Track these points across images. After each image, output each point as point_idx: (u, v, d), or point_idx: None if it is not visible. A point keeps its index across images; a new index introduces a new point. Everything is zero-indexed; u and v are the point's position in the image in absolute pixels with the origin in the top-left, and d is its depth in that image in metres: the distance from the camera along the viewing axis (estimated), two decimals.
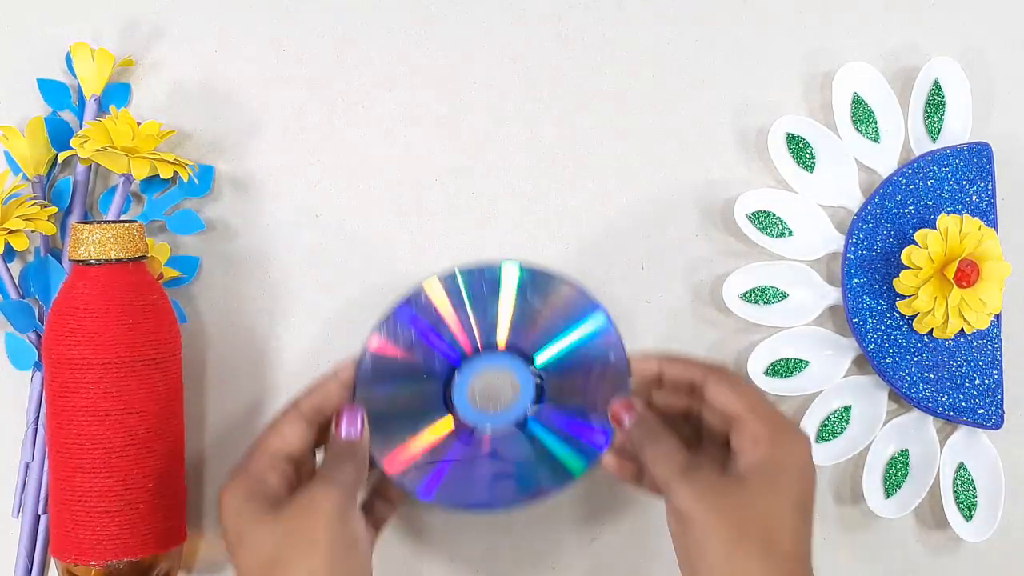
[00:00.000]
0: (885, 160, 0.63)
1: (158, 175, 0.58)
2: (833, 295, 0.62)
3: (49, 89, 0.62)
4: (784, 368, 0.62)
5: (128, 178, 0.59)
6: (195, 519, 0.62)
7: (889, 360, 0.61)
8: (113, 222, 0.56)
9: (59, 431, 0.55)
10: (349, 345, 0.60)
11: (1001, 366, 0.62)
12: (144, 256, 0.56)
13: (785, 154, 0.62)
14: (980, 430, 0.62)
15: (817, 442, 0.62)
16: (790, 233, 0.62)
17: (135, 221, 0.56)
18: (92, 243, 0.55)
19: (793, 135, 0.62)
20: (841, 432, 0.62)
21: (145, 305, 0.55)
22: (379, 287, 0.62)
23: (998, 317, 0.62)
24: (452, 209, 0.63)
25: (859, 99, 0.62)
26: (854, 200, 0.63)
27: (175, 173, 0.59)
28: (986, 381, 0.61)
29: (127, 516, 0.55)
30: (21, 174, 0.61)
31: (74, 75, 0.62)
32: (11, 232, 0.58)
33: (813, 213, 0.62)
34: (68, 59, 0.62)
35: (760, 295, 0.62)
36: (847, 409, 0.62)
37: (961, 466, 0.62)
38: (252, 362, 0.62)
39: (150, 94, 0.63)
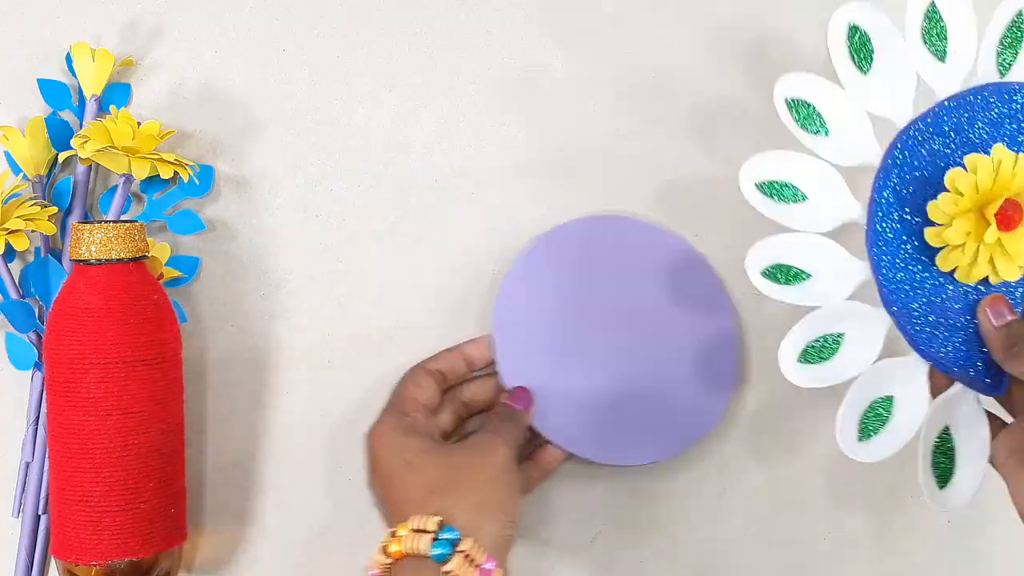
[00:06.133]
0: (947, 82, 0.57)
1: (158, 175, 0.58)
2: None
3: (49, 89, 0.62)
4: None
5: (128, 178, 0.59)
6: (195, 519, 0.62)
7: (903, 296, 0.55)
8: (114, 222, 0.56)
9: (60, 431, 0.55)
10: (349, 345, 0.61)
11: None
12: (145, 256, 0.56)
13: (843, 45, 0.56)
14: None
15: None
16: (827, 132, 0.56)
17: (136, 221, 0.56)
18: (93, 243, 0.55)
19: (856, 26, 0.56)
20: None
21: (146, 305, 0.55)
22: (379, 287, 0.62)
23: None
24: (451, 209, 0.63)
25: (935, 10, 0.57)
26: (903, 117, 0.56)
27: (175, 173, 0.59)
28: None
29: (128, 516, 0.55)
30: (21, 174, 0.61)
31: (74, 75, 0.61)
32: (11, 232, 0.58)
33: (856, 117, 0.56)
34: (68, 59, 0.62)
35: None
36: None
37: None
38: (252, 362, 0.62)
39: (150, 94, 0.63)
